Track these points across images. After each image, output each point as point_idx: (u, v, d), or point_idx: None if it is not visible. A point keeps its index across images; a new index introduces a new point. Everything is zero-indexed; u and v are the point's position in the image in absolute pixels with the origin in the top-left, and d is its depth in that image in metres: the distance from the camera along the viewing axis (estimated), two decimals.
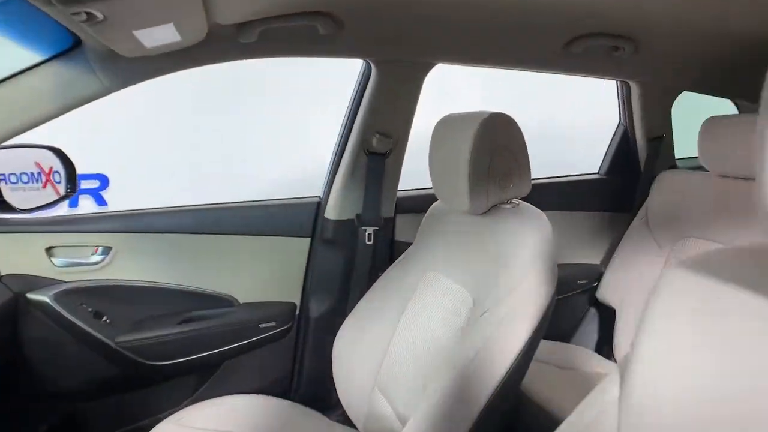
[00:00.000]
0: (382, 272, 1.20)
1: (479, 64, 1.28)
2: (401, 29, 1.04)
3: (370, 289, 1.18)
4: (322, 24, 0.93)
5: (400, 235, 1.47)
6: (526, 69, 1.34)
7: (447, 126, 1.02)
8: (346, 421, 1.15)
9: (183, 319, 1.29)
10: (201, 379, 1.36)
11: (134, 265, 1.24)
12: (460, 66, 1.29)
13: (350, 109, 1.35)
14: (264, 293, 1.38)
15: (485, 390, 0.83)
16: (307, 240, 1.40)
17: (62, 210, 1.25)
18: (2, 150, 1.13)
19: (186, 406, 1.29)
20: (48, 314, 1.14)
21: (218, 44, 0.98)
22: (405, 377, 1.01)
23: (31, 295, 1.12)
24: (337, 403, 1.18)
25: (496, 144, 0.93)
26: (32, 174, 1.25)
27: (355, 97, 1.33)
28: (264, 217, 1.36)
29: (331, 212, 1.38)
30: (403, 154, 1.37)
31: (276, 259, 1.38)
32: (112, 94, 1.04)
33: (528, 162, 0.98)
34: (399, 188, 1.44)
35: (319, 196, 1.43)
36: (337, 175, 1.38)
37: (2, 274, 1.11)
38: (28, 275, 1.14)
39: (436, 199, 1.15)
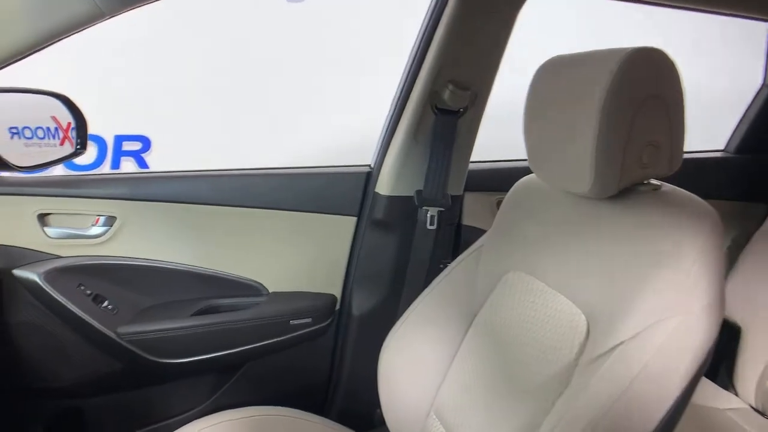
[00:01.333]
0: (446, 265, 0.96)
1: None
2: None
3: (430, 285, 0.94)
4: None
5: (469, 219, 1.20)
6: (667, 3, 1.00)
7: (559, 71, 0.72)
8: None
9: (199, 309, 1.09)
10: (218, 382, 1.16)
11: (142, 239, 1.05)
12: None
13: (417, 50, 1.05)
14: (297, 282, 1.16)
15: None
16: (353, 219, 1.16)
17: (59, 170, 1.07)
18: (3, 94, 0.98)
19: (201, 412, 1.11)
20: (38, 296, 0.97)
21: None
22: (473, 408, 0.78)
23: (18, 272, 0.96)
24: (382, 424, 0.97)
25: (643, 94, 0.63)
26: (49, 129, 1.09)
27: (424, 33, 1.03)
28: (301, 189, 1.13)
29: (383, 186, 1.12)
30: (482, 113, 1.08)
31: (314, 240, 1.15)
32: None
33: (684, 123, 0.67)
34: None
35: (370, 166, 1.17)
36: (393, 139, 1.11)
37: None
38: (14, 247, 0.97)
39: (521, 175, 0.89)
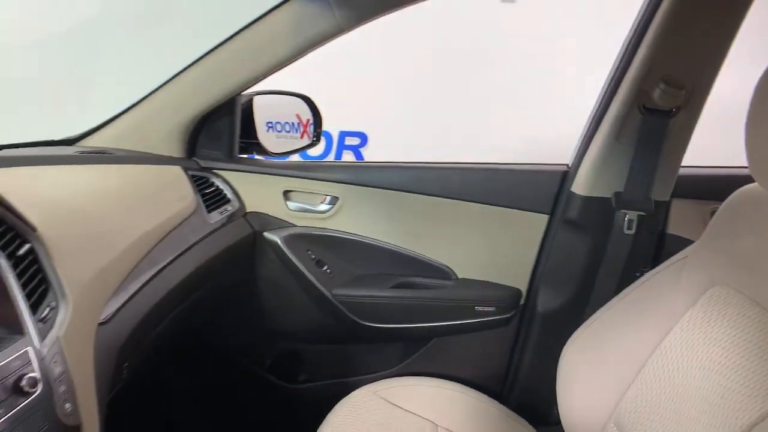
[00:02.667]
0: (642, 273, 0.90)
1: None
2: None
3: (622, 292, 0.90)
4: None
5: (676, 228, 1.11)
6: None
7: None
8: None
9: (397, 283, 1.22)
10: (406, 352, 1.28)
11: (356, 218, 1.20)
12: None
13: (627, 46, 1.01)
14: (485, 271, 1.21)
15: None
16: (545, 217, 1.16)
17: (295, 156, 1.30)
18: (263, 96, 1.24)
19: (390, 374, 1.24)
20: (278, 255, 1.18)
21: None
22: (660, 425, 0.73)
23: (266, 234, 1.17)
24: (557, 423, 0.95)
25: None
26: (293, 124, 1.35)
27: (637, 27, 0.98)
28: (496, 184, 1.17)
29: (580, 186, 1.10)
30: (698, 114, 1.00)
31: (504, 234, 1.18)
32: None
33: None
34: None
35: (567, 165, 1.16)
36: (594, 138, 1.08)
37: (247, 210, 1.18)
38: (266, 214, 1.19)
39: (741, 184, 0.79)
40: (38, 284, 0.58)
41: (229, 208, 1.13)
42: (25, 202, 0.62)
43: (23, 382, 0.49)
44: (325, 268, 1.20)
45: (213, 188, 1.13)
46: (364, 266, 1.23)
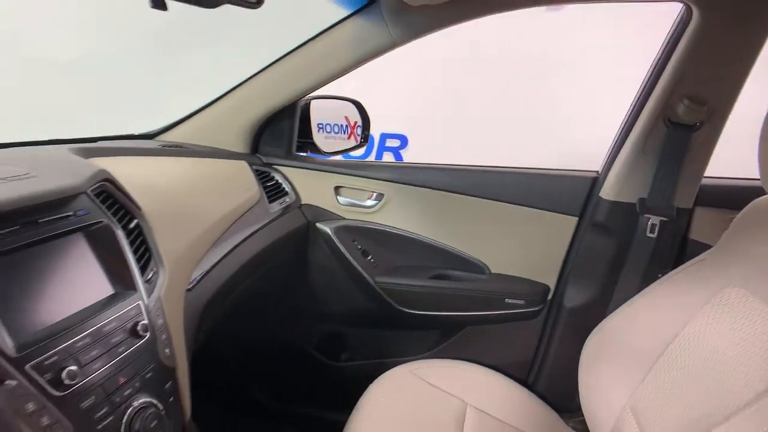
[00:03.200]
0: (663, 274, 0.96)
1: None
2: None
3: (642, 291, 0.97)
4: None
5: (698, 234, 1.17)
6: None
7: None
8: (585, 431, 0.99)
9: (434, 275, 1.32)
10: (442, 338, 1.38)
11: (399, 214, 1.31)
12: None
13: (655, 66, 1.09)
14: (516, 268, 1.30)
15: None
16: (574, 219, 1.24)
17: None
18: (319, 100, 1.35)
19: (425, 358, 1.34)
20: (328, 244, 1.29)
21: None
22: (671, 413, 0.79)
23: (319, 225, 1.29)
24: (578, 410, 1.03)
25: None
26: (342, 126, 1.46)
27: (664, 50, 1.06)
28: (530, 187, 1.26)
29: (608, 191, 1.18)
30: (720, 129, 1.06)
31: (535, 234, 1.27)
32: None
33: None
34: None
35: (597, 171, 1.24)
36: (623, 148, 1.16)
37: (302, 203, 1.30)
38: (318, 207, 1.31)
39: (760, 195, 0.85)
40: (143, 253, 0.72)
41: (287, 200, 1.25)
42: (131, 185, 0.76)
43: (138, 327, 0.63)
44: (369, 257, 1.31)
45: (273, 182, 1.26)
46: (405, 258, 1.33)
